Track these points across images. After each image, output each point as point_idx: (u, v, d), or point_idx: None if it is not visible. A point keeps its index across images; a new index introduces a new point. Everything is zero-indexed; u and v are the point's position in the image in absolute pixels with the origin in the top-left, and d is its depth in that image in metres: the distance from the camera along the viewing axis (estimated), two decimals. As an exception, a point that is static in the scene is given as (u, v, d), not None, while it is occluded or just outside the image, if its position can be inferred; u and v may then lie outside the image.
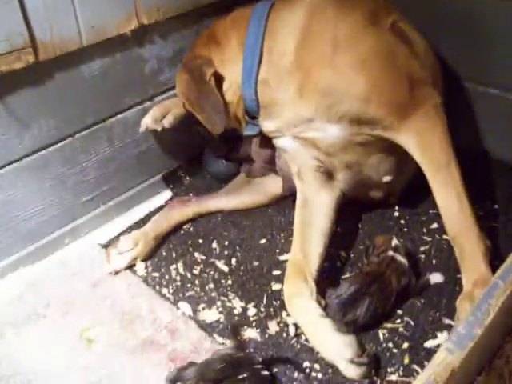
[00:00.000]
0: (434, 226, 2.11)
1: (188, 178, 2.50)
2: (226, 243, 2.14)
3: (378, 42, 1.78)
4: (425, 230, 2.10)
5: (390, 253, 1.87)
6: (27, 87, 1.89)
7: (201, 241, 2.16)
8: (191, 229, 2.22)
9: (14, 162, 1.95)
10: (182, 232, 2.21)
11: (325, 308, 1.75)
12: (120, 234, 2.20)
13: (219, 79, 1.98)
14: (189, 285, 1.97)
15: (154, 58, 2.23)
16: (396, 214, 2.19)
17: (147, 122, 2.19)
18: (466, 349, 1.33)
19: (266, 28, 1.89)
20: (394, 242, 1.90)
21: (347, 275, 1.95)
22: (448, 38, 2.26)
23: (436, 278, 1.88)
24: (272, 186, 2.25)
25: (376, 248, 1.93)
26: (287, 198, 2.25)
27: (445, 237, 2.03)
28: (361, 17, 1.80)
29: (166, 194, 2.43)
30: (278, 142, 2.01)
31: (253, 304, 1.87)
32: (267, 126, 1.98)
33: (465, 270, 1.73)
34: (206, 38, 2.05)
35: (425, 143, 1.77)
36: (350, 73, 1.74)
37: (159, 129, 2.19)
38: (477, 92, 2.33)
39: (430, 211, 2.16)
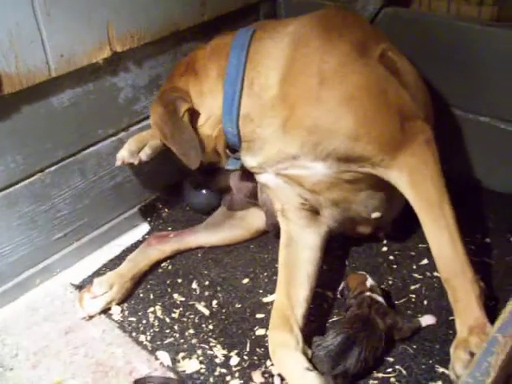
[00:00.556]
0: (424, 261, 2.01)
1: (166, 210, 2.39)
2: (207, 283, 2.02)
3: (366, 75, 1.67)
4: (415, 267, 2.00)
5: (368, 293, 1.78)
6: (-9, 122, 1.78)
7: (180, 280, 2.04)
8: (170, 267, 2.11)
9: (-22, 201, 1.84)
10: (160, 270, 2.09)
11: (311, 357, 1.65)
12: (94, 274, 2.08)
13: (195, 113, 1.87)
14: (167, 330, 1.85)
15: (129, 87, 2.12)
16: (384, 248, 2.10)
17: (123, 155, 2.05)
18: (466, 415, 1.24)
19: (247, 58, 1.78)
20: (369, 281, 1.81)
21: (334, 318, 1.84)
22: (437, 66, 2.18)
23: (427, 320, 1.78)
24: (254, 220, 2.15)
25: (351, 289, 1.83)
26: (270, 233, 2.15)
27: (436, 274, 1.94)
28: (348, 48, 1.69)
29: (144, 228, 2.32)
30: (261, 178, 1.91)
31: (235, 352, 1.76)
32: (249, 161, 1.87)
33: (458, 315, 1.63)
34: (183, 67, 1.94)
35: (416, 181, 1.67)
36: (337, 109, 1.64)
37: (136, 162, 2.06)
38: (467, 120, 2.25)
39: (420, 245, 2.07)
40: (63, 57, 1.85)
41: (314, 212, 1.89)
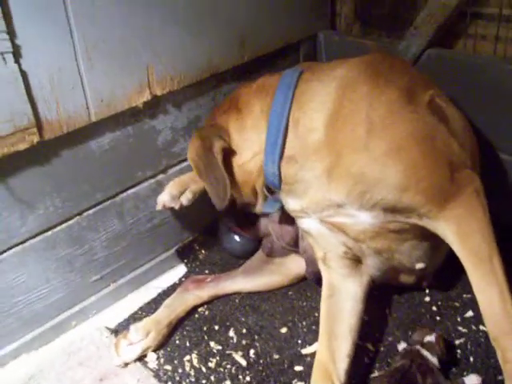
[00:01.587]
0: (469, 313, 1.94)
1: (203, 252, 2.36)
2: (244, 331, 1.98)
3: (415, 124, 1.62)
4: (459, 319, 1.93)
5: (418, 347, 1.72)
6: (31, 167, 1.77)
7: (217, 327, 2.01)
8: (206, 312, 2.07)
9: (17, 244, 1.83)
10: (196, 316, 2.06)
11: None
12: (130, 318, 2.06)
13: (232, 152, 1.85)
14: (204, 381, 1.81)
15: (168, 129, 2.11)
16: (427, 298, 2.02)
17: (164, 199, 2.05)
18: None
19: (293, 98, 1.75)
20: (428, 338, 1.74)
21: (375, 374, 1.78)
22: (482, 109, 2.11)
23: (472, 380, 1.69)
24: (293, 266, 2.10)
25: (413, 340, 1.78)
26: (309, 280, 2.09)
27: (482, 328, 1.87)
28: (397, 95, 1.64)
29: (181, 269, 2.29)
30: (303, 224, 1.86)
31: (273, 406, 1.72)
32: (292, 204, 1.83)
33: (509, 377, 1.54)
34: (227, 104, 1.93)
35: (465, 233, 1.60)
36: (385, 159, 1.58)
37: (177, 207, 2.05)
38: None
39: (464, 296, 2.01)
40: (103, 101, 1.85)
41: (357, 261, 1.84)
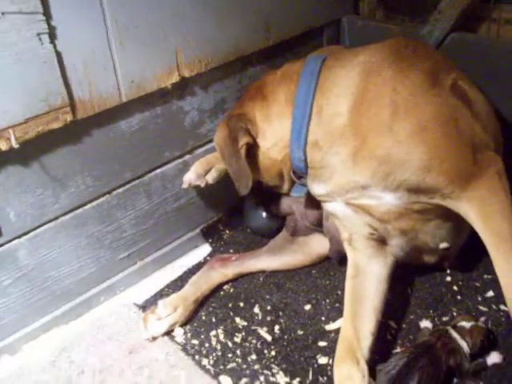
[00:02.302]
0: (490, 293, 1.98)
1: (228, 232, 2.41)
2: (269, 308, 2.03)
3: (439, 106, 1.65)
4: (480, 299, 1.97)
5: (448, 327, 1.76)
6: (64, 145, 1.82)
7: (242, 304, 2.06)
8: (231, 290, 2.12)
9: (50, 221, 1.89)
10: (222, 293, 2.11)
11: (376, 387, 1.64)
12: (157, 295, 2.11)
13: (257, 142, 1.91)
14: (230, 355, 1.86)
15: (195, 110, 2.16)
16: (448, 278, 2.06)
17: (190, 178, 2.11)
18: None
19: (317, 85, 1.79)
20: (463, 323, 1.76)
21: (397, 349, 1.82)
22: (505, 93, 2.13)
23: (494, 358, 1.74)
24: (317, 245, 2.15)
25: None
26: (332, 259, 2.14)
27: (502, 307, 1.90)
28: (420, 78, 1.67)
29: (205, 249, 2.34)
30: (328, 207, 1.90)
31: (298, 380, 1.76)
32: (317, 189, 1.87)
33: (529, 354, 1.60)
34: (253, 91, 1.97)
35: (487, 213, 1.63)
36: (409, 140, 1.62)
37: (203, 185, 2.12)
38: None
39: (485, 276, 2.04)
40: (134, 82, 1.89)
41: (381, 242, 1.87)
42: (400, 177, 1.65)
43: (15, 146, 1.65)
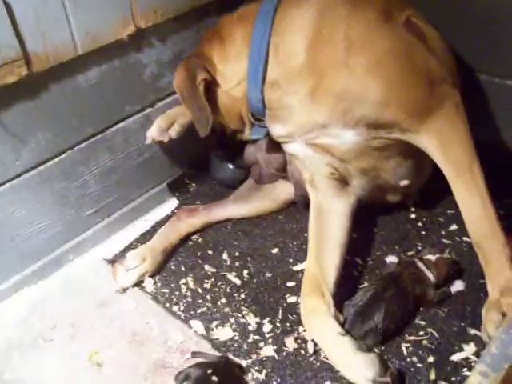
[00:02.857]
0: (453, 227, 2.02)
1: (194, 185, 2.41)
2: (237, 254, 2.05)
3: (393, 41, 1.66)
4: (443, 233, 2.01)
5: (415, 259, 1.80)
6: (21, 100, 1.79)
7: (210, 252, 2.07)
8: (200, 239, 2.14)
9: (12, 179, 1.86)
10: (190, 243, 2.12)
11: (344, 323, 1.67)
12: (126, 249, 2.11)
13: (216, 81, 1.91)
14: (200, 300, 1.88)
15: (154, 63, 2.13)
16: (412, 215, 2.11)
17: (153, 133, 2.11)
18: (501, 371, 1.25)
19: (273, 25, 1.79)
20: (429, 256, 1.81)
21: (365, 284, 1.86)
22: (461, 30, 2.15)
23: (457, 286, 1.79)
24: (282, 191, 2.16)
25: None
26: (298, 204, 2.16)
27: (465, 239, 1.95)
28: (374, 14, 1.68)
29: (172, 203, 2.35)
30: (289, 148, 1.91)
31: (268, 319, 1.79)
32: (277, 130, 1.88)
33: (490, 277, 1.64)
34: (210, 34, 1.97)
35: (446, 145, 1.67)
36: (365, 75, 1.63)
37: (166, 140, 2.12)
38: (492, 84, 2.22)
39: (448, 212, 2.08)
40: (89, 34, 1.86)
41: (343, 181, 1.89)
42: (358, 113, 1.66)
43: (-30, 100, 1.64)
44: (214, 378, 1.55)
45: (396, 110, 1.66)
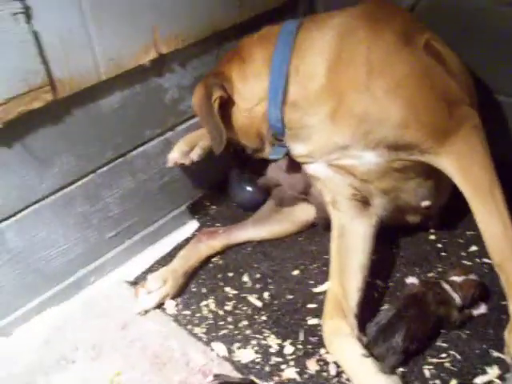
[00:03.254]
0: (473, 248, 2.02)
1: (214, 208, 2.43)
2: (258, 276, 2.06)
3: (413, 64, 1.70)
4: (464, 254, 2.01)
5: (441, 281, 1.79)
6: (46, 125, 1.83)
7: (231, 274, 2.09)
8: (220, 262, 2.15)
9: (36, 202, 1.90)
10: (211, 265, 2.14)
11: (367, 344, 1.67)
12: (147, 271, 2.13)
13: (232, 100, 1.93)
14: (221, 322, 1.89)
15: (175, 87, 2.17)
16: (432, 237, 2.11)
17: (175, 156, 2.14)
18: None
19: (294, 46, 1.82)
20: (455, 278, 1.80)
21: (385, 306, 1.85)
22: (480, 53, 2.17)
23: (480, 309, 1.78)
24: (302, 213, 2.18)
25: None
26: (317, 226, 2.18)
27: (485, 260, 1.95)
28: (394, 37, 1.72)
29: (192, 225, 2.37)
30: (310, 169, 1.93)
31: (289, 341, 1.79)
32: (298, 149, 1.90)
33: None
34: (231, 54, 2.01)
35: (466, 166, 1.68)
36: (386, 98, 1.66)
37: (187, 163, 2.14)
38: (511, 105, 2.24)
39: (467, 233, 2.08)
40: (112, 60, 1.91)
41: (365, 202, 1.91)
42: (379, 134, 1.69)
43: (-3, 126, 1.67)
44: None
45: (416, 132, 1.68)
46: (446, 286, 1.76)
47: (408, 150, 1.71)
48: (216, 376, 1.69)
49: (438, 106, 1.69)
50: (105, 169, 2.05)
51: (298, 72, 1.80)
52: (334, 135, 1.75)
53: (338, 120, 1.73)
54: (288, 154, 1.97)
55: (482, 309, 1.79)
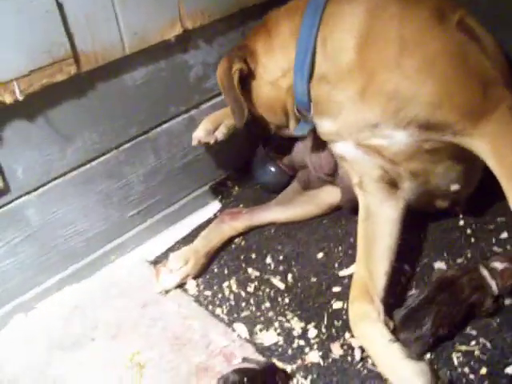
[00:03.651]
0: (504, 235, 1.96)
1: (237, 189, 2.39)
2: (281, 258, 2.02)
3: (446, 41, 1.62)
4: (494, 241, 1.95)
5: (480, 264, 1.73)
6: (69, 99, 1.80)
7: (254, 255, 2.05)
8: (243, 243, 2.12)
9: (57, 177, 1.87)
10: (233, 246, 2.11)
11: (394, 329, 1.63)
12: (168, 250, 2.11)
13: (254, 73, 1.89)
14: (243, 304, 1.86)
15: (200, 64, 2.13)
16: (461, 222, 2.04)
17: (199, 135, 2.10)
18: None
19: (321, 19, 1.75)
20: (496, 264, 1.72)
21: (412, 291, 1.81)
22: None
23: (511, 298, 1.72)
24: (326, 196, 2.14)
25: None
26: (342, 208, 2.13)
27: (517, 247, 1.90)
28: (426, 13, 1.64)
29: (215, 206, 2.33)
30: (337, 148, 1.87)
31: (313, 324, 1.76)
32: (325, 126, 1.84)
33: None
34: (258, 27, 1.95)
35: (500, 149, 1.61)
36: (418, 75, 1.59)
37: (212, 142, 2.10)
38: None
39: (498, 219, 2.02)
40: (136, 34, 1.87)
41: (393, 185, 1.85)
42: (410, 113, 1.62)
43: (20, 98, 1.63)
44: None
45: (449, 111, 1.61)
46: (485, 272, 1.69)
47: (440, 131, 1.65)
48: (244, 359, 1.66)
49: (472, 85, 1.62)
50: (128, 145, 2.02)
51: (326, 46, 1.74)
52: (364, 112, 1.69)
53: (368, 97, 1.67)
54: (314, 132, 1.91)
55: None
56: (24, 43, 1.61)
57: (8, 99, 1.62)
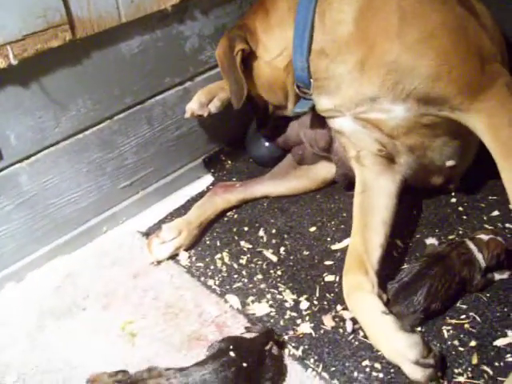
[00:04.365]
0: (495, 213, 1.98)
1: (230, 162, 2.39)
2: (274, 231, 2.03)
3: (446, 14, 1.62)
4: (485, 218, 1.97)
5: (466, 239, 1.75)
6: (64, 66, 1.78)
7: (246, 228, 2.05)
8: (236, 216, 2.12)
9: (51, 146, 1.86)
10: (226, 219, 2.11)
11: (387, 302, 1.64)
12: (160, 222, 2.10)
13: (255, 52, 1.88)
14: (236, 276, 1.87)
15: (195, 36, 2.11)
16: (453, 200, 2.06)
17: (193, 107, 2.10)
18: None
19: None
20: (482, 235, 1.74)
21: (405, 265, 1.82)
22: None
23: (502, 274, 1.73)
24: (321, 170, 2.14)
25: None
26: (336, 183, 2.14)
27: (508, 225, 1.91)
28: None
29: (207, 179, 2.33)
30: (335, 123, 1.87)
31: (305, 297, 1.76)
32: (323, 102, 1.83)
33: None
34: (256, 5, 1.93)
35: (496, 124, 1.61)
36: (418, 47, 1.59)
37: (205, 114, 2.10)
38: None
39: (490, 197, 2.04)
40: (133, 2, 1.85)
41: (390, 159, 1.86)
42: (409, 85, 1.62)
43: (14, 62, 1.61)
44: (232, 354, 1.51)
45: (447, 85, 1.61)
46: (471, 246, 1.71)
47: (438, 105, 1.65)
48: (247, 328, 1.66)
49: (471, 59, 1.62)
50: (122, 115, 2.01)
51: (325, 19, 1.72)
52: (363, 85, 1.69)
53: (367, 69, 1.66)
54: (313, 109, 1.90)
55: (504, 274, 1.74)
56: (18, 7, 1.59)
57: (1, 64, 1.61)
